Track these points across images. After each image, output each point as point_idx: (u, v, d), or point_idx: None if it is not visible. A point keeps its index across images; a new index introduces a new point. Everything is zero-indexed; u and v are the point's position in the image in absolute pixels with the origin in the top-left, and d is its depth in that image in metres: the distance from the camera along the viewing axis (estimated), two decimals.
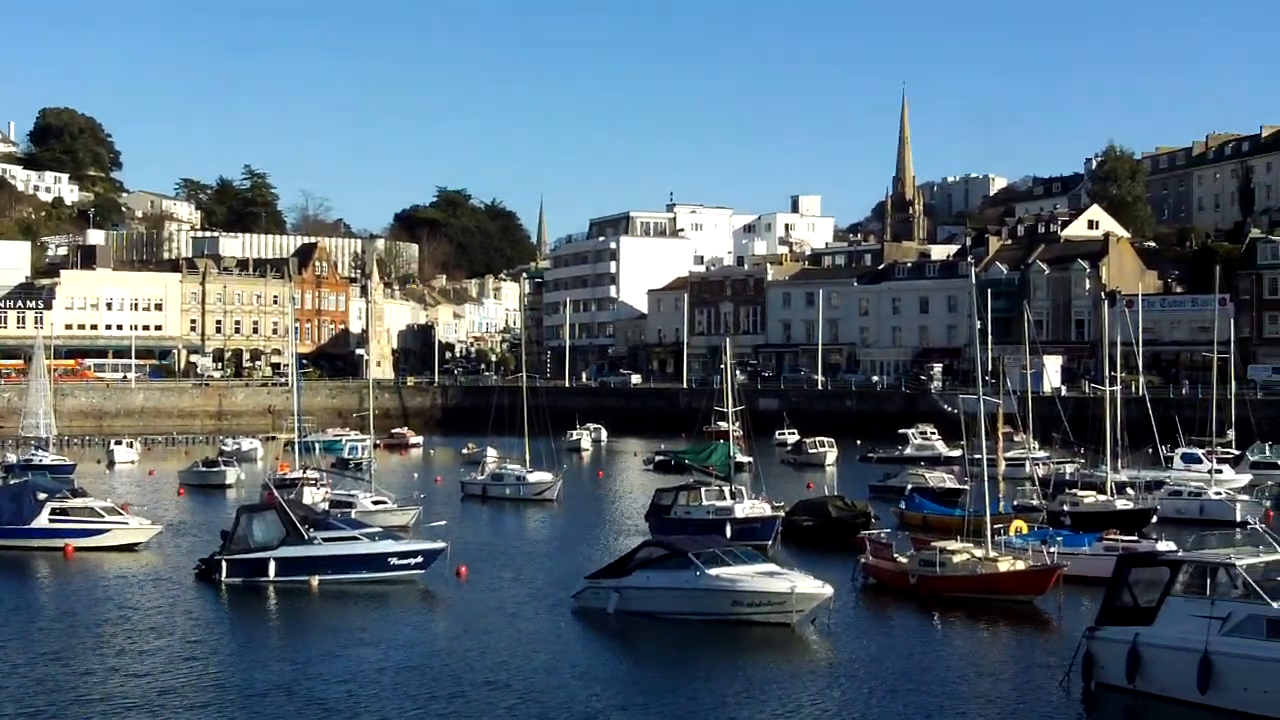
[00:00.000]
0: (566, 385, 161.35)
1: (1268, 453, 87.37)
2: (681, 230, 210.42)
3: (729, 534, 54.80)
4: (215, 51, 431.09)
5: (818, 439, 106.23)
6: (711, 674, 35.37)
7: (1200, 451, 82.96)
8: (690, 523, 59.38)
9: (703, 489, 64.17)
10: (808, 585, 40.94)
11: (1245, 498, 69.10)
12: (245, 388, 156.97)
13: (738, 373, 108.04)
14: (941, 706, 32.28)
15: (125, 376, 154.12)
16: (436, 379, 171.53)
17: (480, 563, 54.25)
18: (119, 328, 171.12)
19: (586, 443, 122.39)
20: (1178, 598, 32.06)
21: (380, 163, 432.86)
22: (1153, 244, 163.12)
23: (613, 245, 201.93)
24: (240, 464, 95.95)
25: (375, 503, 67.10)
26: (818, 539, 59.10)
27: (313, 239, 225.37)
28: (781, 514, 60.31)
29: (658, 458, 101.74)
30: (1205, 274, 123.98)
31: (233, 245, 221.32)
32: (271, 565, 48.71)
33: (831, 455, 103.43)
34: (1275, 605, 30.50)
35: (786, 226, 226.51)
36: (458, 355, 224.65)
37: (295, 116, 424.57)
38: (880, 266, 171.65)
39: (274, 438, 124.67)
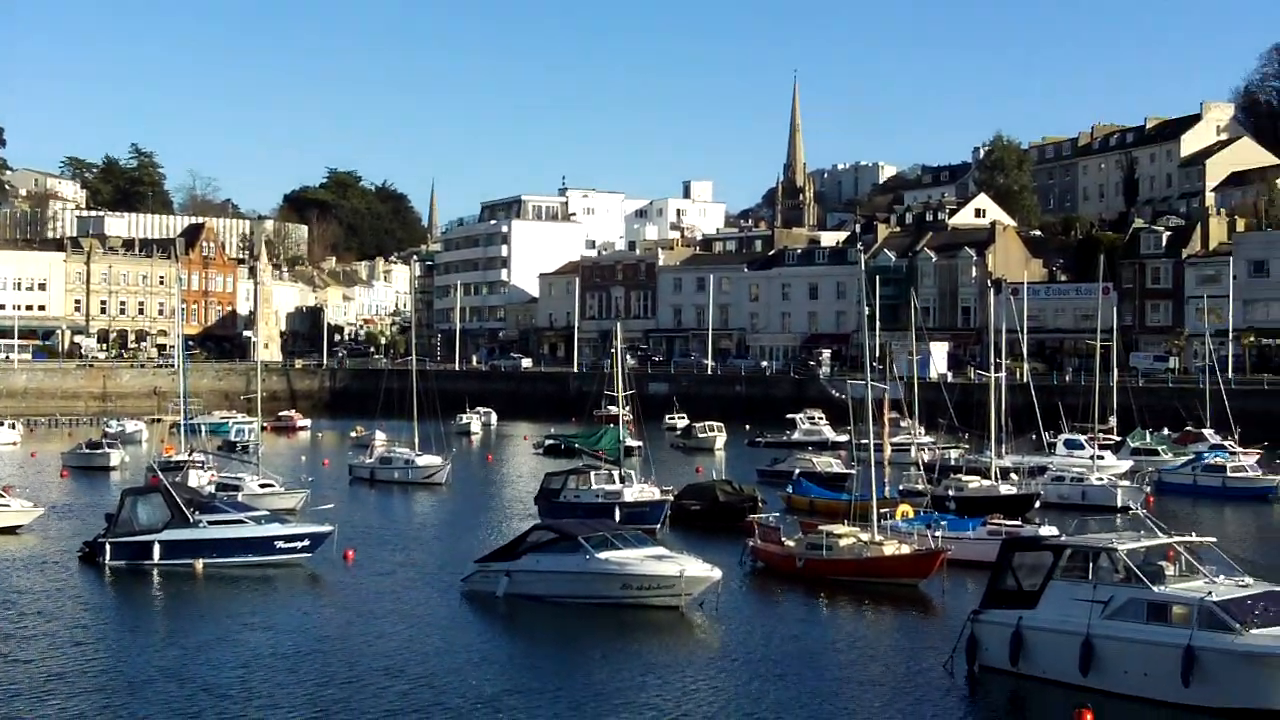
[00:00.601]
0: (456, 368, 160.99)
1: (1148, 439, 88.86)
2: (573, 214, 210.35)
3: (618, 518, 55.02)
4: (102, 27, 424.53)
5: (707, 423, 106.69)
6: (603, 657, 35.51)
7: (1082, 438, 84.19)
8: (579, 506, 59.49)
9: (592, 473, 64.28)
10: (697, 569, 41.21)
11: (1126, 483, 70.18)
12: (130, 369, 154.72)
13: (628, 357, 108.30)
14: (827, 689, 32.58)
15: (7, 357, 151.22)
16: (325, 361, 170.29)
17: (368, 546, 54.02)
18: (1, 307, 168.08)
19: (476, 426, 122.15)
20: (1060, 582, 32.55)
21: (269, 142, 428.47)
22: (1038, 233, 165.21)
23: (504, 229, 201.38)
24: (125, 446, 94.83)
25: (262, 486, 66.53)
26: (706, 523, 59.43)
27: (200, 219, 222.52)
28: (670, 498, 60.55)
29: (547, 442, 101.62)
30: (1089, 263, 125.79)
31: (119, 225, 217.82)
32: (156, 548, 48.20)
33: (721, 440, 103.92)
34: (1155, 589, 31.08)
35: (678, 212, 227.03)
36: (347, 338, 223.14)
37: (183, 94, 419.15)
38: (770, 253, 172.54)
39: (159, 420, 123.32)
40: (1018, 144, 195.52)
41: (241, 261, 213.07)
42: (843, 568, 46.21)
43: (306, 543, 49.61)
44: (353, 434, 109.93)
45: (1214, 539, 35.29)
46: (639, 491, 61.08)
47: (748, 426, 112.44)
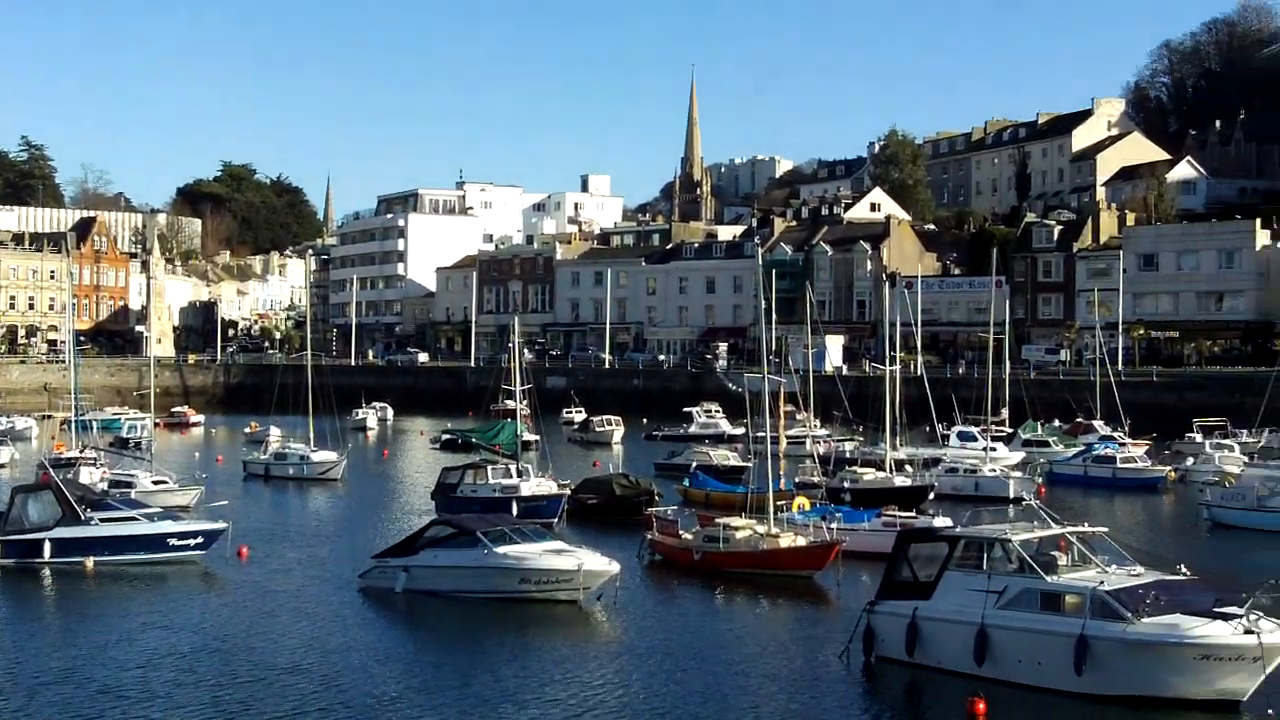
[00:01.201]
0: (352, 363, 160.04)
1: (1039, 431, 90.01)
2: (471, 208, 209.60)
3: (514, 512, 54.90)
4: None
5: (605, 417, 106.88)
6: (503, 653, 35.43)
7: (975, 430, 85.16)
8: (476, 501, 59.49)
9: (489, 467, 64.38)
10: (595, 562, 41.35)
11: (1019, 474, 71.18)
12: (20, 365, 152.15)
13: (525, 351, 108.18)
14: (725, 681, 32.72)
15: None
16: (219, 357, 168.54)
17: (263, 543, 53.61)
18: None
19: (372, 421, 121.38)
20: (955, 572, 32.90)
21: (162, 135, 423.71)
22: (932, 227, 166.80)
23: (401, 223, 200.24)
24: (14, 443, 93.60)
25: (156, 482, 65.71)
26: (603, 517, 59.58)
27: (92, 213, 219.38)
28: (567, 492, 60.78)
29: (444, 436, 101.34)
30: (982, 257, 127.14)
31: (8, 219, 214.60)
32: (47, 546, 47.52)
33: (618, 433, 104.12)
34: (1049, 579, 31.50)
35: (576, 206, 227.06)
36: (241, 333, 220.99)
37: (74, 86, 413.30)
38: (668, 246, 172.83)
39: (50, 416, 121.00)
40: (912, 139, 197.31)
41: (134, 256, 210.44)
42: (739, 560, 46.52)
43: (200, 540, 49.09)
44: (247, 430, 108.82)
45: (1106, 529, 35.89)
46: (536, 485, 61.36)
47: (645, 420, 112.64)
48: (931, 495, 63.68)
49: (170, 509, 55.71)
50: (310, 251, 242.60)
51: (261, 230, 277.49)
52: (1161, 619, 29.79)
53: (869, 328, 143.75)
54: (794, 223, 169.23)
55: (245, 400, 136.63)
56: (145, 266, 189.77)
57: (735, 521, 48.51)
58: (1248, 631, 29.07)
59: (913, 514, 53.52)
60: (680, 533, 49.50)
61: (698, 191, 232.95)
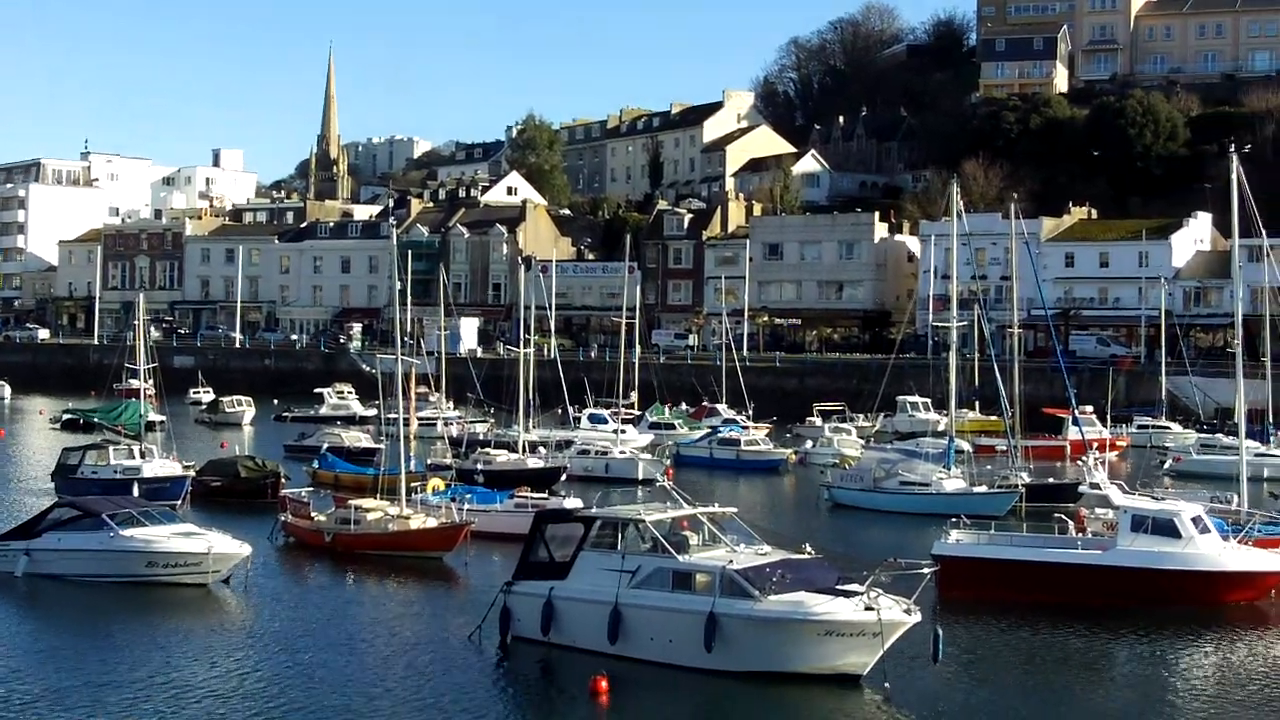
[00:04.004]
0: None
1: (666, 414, 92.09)
2: (96, 180, 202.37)
3: (136, 493, 53.44)
4: None
5: (235, 398, 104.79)
6: (128, 637, 34.75)
7: (606, 413, 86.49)
8: (97, 482, 57.87)
9: (111, 448, 62.96)
10: (226, 545, 40.87)
11: (648, 456, 72.62)
12: None
13: (152, 329, 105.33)
14: (355, 663, 32.68)
15: None
16: None
17: None
18: None
19: None
20: (591, 552, 33.45)
21: None
22: (568, 212, 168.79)
23: (21, 193, 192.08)
24: None
25: None
26: (228, 499, 58.48)
27: None
28: (191, 474, 59.68)
29: (65, 416, 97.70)
30: (616, 242, 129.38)
31: None
32: None
33: (249, 414, 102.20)
34: (680, 559, 32.33)
35: (207, 180, 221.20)
36: None
37: None
38: (303, 225, 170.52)
39: None
40: (549, 125, 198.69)
41: None
42: (370, 542, 46.50)
43: None
44: None
45: (735, 510, 36.83)
46: (159, 467, 60.21)
47: (276, 401, 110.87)
48: (564, 477, 64.54)
49: None
50: None
51: None
52: (787, 596, 30.88)
53: (504, 310, 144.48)
54: (431, 204, 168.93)
55: None
56: None
57: (367, 503, 48.56)
58: (868, 608, 30.35)
59: (545, 495, 54.18)
60: (313, 515, 48.98)
61: (334, 170, 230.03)
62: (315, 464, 67.23)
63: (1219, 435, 78.26)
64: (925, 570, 32.71)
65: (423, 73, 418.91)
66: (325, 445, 73.62)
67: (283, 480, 59.36)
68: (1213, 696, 31.27)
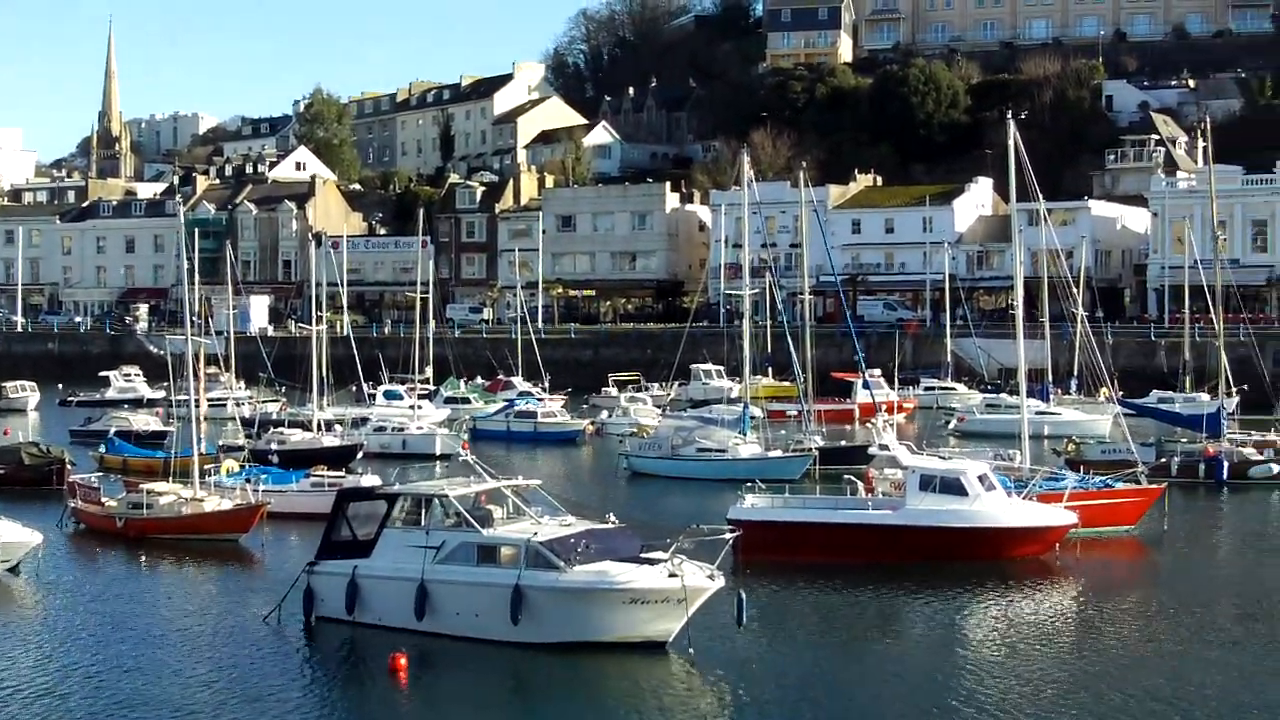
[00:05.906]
0: None
1: (461, 388, 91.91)
2: None
3: None
4: None
5: (18, 383, 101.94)
6: None
7: (401, 389, 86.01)
8: None
9: None
10: (14, 533, 39.75)
11: (445, 431, 72.38)
12: None
13: None
14: (152, 650, 32.07)
15: None
16: None
17: None
18: None
19: None
20: (395, 529, 33.30)
21: None
22: (358, 187, 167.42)
23: None
24: None
25: None
26: (12, 486, 56.84)
27: None
28: None
29: None
30: (408, 217, 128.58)
31: None
32: None
33: (33, 400, 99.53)
34: (485, 532, 32.32)
35: None
36: None
37: None
38: (85, 204, 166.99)
39: None
40: (338, 99, 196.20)
41: None
42: (163, 526, 45.73)
43: None
44: None
45: (539, 482, 36.93)
46: None
47: (61, 385, 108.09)
48: (360, 454, 63.96)
49: None
50: None
51: None
52: (592, 566, 31.09)
53: (295, 288, 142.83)
54: (217, 181, 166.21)
55: None
56: None
57: (159, 486, 47.60)
58: (671, 575, 30.66)
59: (342, 473, 53.71)
60: (103, 500, 47.92)
61: (117, 147, 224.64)
62: (102, 448, 65.68)
63: (1002, 395, 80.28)
64: (727, 535, 33.16)
65: (206, 47, 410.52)
66: (113, 429, 71.95)
67: (69, 466, 57.86)
68: (1001, 644, 32.36)
